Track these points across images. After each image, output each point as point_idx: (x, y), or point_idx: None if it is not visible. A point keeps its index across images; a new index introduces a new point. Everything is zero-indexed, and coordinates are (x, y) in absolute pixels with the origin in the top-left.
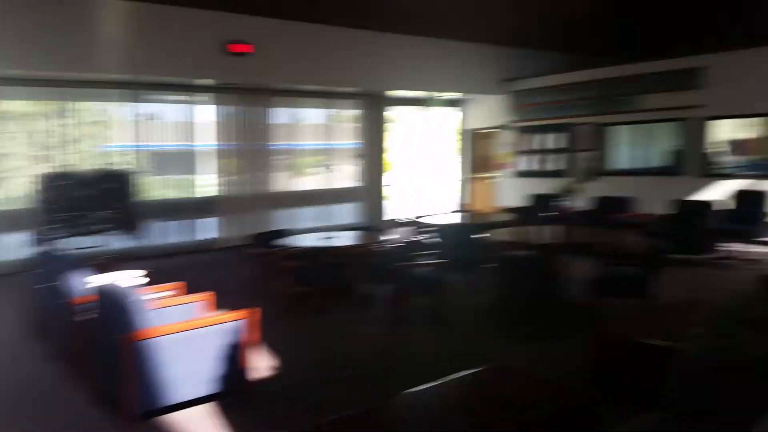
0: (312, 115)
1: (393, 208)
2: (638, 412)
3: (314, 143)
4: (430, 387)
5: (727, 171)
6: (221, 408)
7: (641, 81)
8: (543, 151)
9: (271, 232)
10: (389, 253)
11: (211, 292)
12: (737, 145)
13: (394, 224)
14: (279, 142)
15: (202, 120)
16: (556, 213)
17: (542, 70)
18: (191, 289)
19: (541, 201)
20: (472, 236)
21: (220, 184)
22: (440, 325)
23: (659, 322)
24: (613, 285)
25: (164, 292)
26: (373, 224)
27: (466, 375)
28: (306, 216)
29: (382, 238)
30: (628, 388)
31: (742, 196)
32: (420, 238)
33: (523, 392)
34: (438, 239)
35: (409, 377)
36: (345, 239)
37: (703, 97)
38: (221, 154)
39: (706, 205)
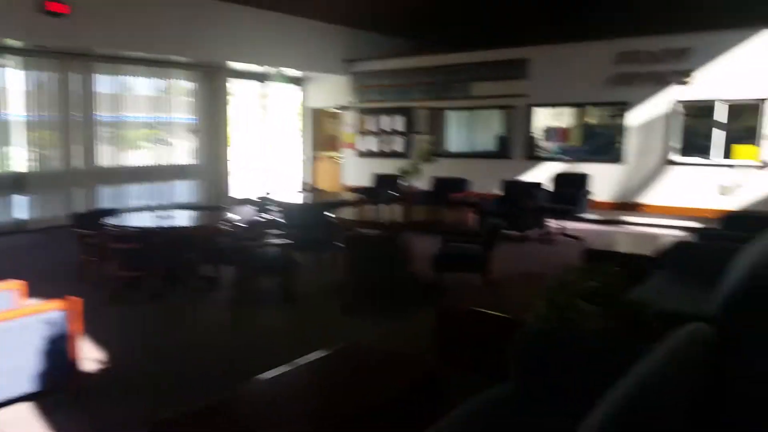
0: (143, 85)
1: (236, 186)
2: (488, 384)
3: (146, 116)
4: (281, 372)
5: (548, 155)
6: (45, 407)
7: (473, 69)
8: (384, 133)
9: (97, 211)
10: (233, 233)
11: (23, 280)
12: (555, 132)
13: (238, 202)
14: (104, 114)
15: (12, 86)
16: (398, 193)
17: (382, 54)
18: None
19: (384, 181)
20: (318, 215)
21: (33, 158)
22: (289, 306)
23: (501, 295)
24: (454, 261)
25: None
26: (214, 203)
27: (318, 357)
28: (138, 194)
29: (224, 217)
30: (477, 361)
31: (561, 177)
32: (265, 217)
33: (376, 369)
34: (284, 218)
35: (259, 363)
36: (183, 219)
37: (527, 87)
38: (35, 124)
39: (532, 185)
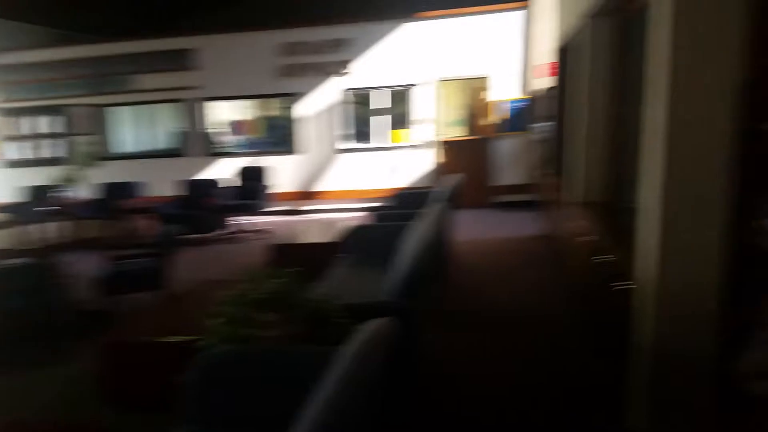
0: None
1: None
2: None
3: None
4: None
5: (229, 150)
6: None
7: (137, 60)
8: (36, 136)
9: None
10: None
11: None
12: (235, 126)
13: None
14: None
15: None
16: (56, 206)
17: (26, 44)
18: None
19: (38, 193)
20: None
21: None
22: None
23: (179, 313)
24: (124, 280)
25: None
26: None
27: None
28: None
29: None
30: (155, 399)
31: (244, 172)
32: None
33: None
34: None
35: None
36: None
37: (198, 79)
38: None
39: (212, 182)
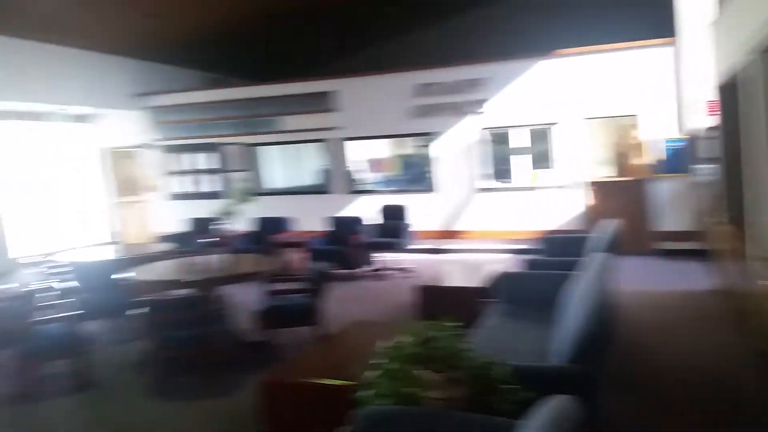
0: None
1: (18, 245)
2: None
3: None
4: None
5: (368, 188)
6: None
7: (283, 102)
8: (195, 172)
9: None
10: (4, 308)
11: None
12: (373, 164)
13: (15, 266)
14: None
15: None
16: (216, 238)
17: (180, 86)
18: None
19: (200, 225)
20: (117, 275)
21: None
22: (84, 393)
23: (334, 354)
24: (279, 315)
25: None
26: None
27: None
28: None
29: None
30: None
31: (385, 210)
32: (50, 282)
33: None
34: (74, 281)
35: None
36: None
37: (339, 119)
38: None
39: (357, 219)
